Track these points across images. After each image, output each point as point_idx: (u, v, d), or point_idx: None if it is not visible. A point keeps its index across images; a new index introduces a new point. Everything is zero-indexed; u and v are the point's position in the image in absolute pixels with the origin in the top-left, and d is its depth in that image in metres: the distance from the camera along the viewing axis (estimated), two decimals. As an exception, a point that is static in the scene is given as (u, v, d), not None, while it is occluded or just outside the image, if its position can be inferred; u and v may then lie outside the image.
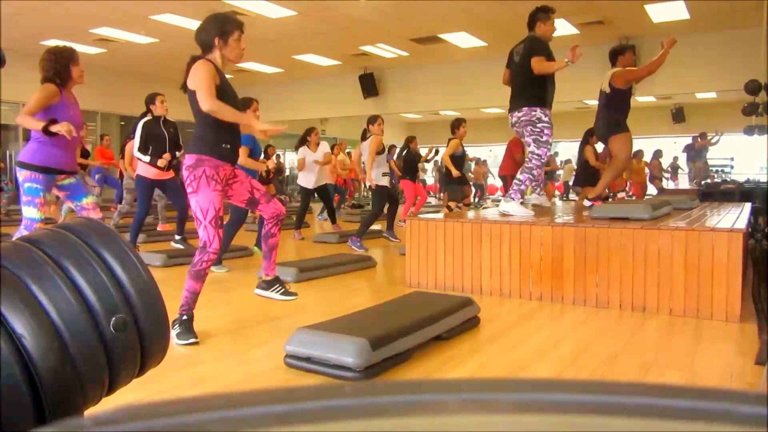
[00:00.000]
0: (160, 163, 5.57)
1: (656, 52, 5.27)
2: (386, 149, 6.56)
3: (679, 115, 16.63)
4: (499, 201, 8.51)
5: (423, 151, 9.14)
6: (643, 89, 5.61)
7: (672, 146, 14.61)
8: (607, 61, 5.44)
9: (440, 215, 5.04)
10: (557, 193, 14.94)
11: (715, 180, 12.75)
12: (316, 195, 7.43)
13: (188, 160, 2.84)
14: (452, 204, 7.23)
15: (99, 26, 10.16)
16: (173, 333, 2.76)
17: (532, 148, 4.50)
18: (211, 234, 2.80)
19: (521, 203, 4.48)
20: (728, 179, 12.57)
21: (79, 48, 11.41)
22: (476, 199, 16.36)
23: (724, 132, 12.49)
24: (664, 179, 13.31)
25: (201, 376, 2.38)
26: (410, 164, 8.34)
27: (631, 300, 3.52)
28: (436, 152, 8.97)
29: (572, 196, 14.73)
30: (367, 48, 11.90)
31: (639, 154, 12.10)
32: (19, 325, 0.80)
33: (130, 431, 0.28)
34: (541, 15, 4.48)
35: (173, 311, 2.50)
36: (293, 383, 1.92)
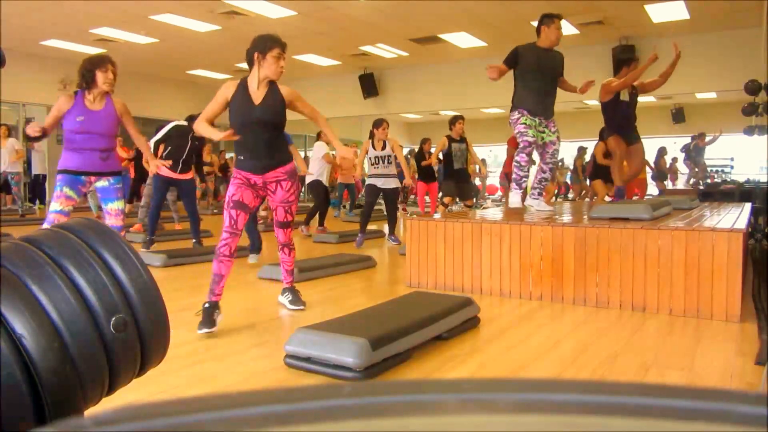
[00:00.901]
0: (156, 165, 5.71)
1: (656, 52, 5.28)
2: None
3: (679, 115, 16.62)
4: (500, 201, 8.50)
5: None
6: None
7: (672, 146, 14.59)
8: (608, 60, 5.45)
9: (439, 215, 5.04)
10: (557, 192, 14.94)
11: (715, 180, 12.74)
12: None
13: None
14: (447, 200, 7.23)
15: (99, 26, 10.16)
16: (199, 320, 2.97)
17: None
18: (224, 216, 3.11)
19: (537, 200, 4.79)
20: (728, 179, 12.57)
21: (79, 48, 11.47)
22: (476, 199, 16.36)
23: (724, 131, 12.49)
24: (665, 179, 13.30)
25: (201, 376, 2.38)
26: (423, 165, 8.40)
27: (631, 300, 3.52)
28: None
29: (570, 195, 14.74)
30: (367, 48, 11.89)
31: None
32: (19, 325, 0.80)
33: (130, 431, 0.28)
34: (546, 20, 4.55)
35: (173, 311, 2.50)
36: (293, 383, 1.92)
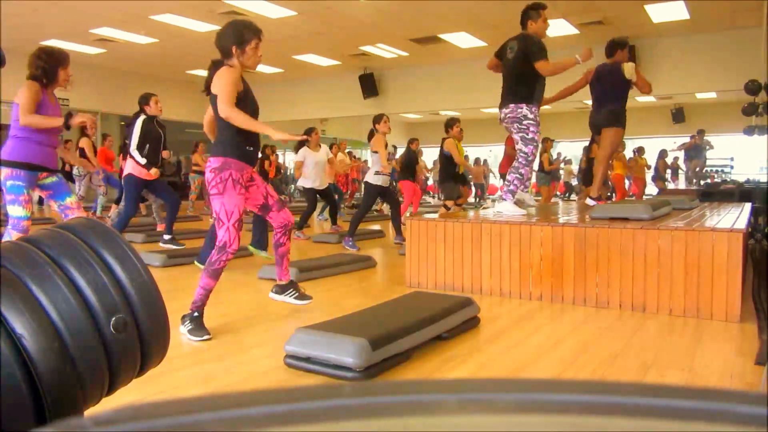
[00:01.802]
0: (162, 156, 5.68)
1: (656, 52, 5.28)
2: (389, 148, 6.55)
3: (679, 115, 16.63)
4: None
5: (426, 151, 9.16)
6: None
7: (672, 146, 14.61)
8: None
9: (438, 215, 5.04)
10: (557, 193, 14.95)
11: (715, 180, 12.74)
12: (319, 196, 7.42)
13: (213, 162, 2.94)
14: (449, 203, 7.24)
15: (99, 26, 10.16)
16: (185, 329, 2.88)
17: (520, 146, 4.50)
18: (232, 236, 2.91)
19: (514, 202, 4.50)
20: (728, 179, 12.56)
21: (79, 48, 11.48)
22: (477, 199, 16.36)
23: (724, 132, 12.49)
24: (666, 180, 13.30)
25: (201, 376, 2.38)
26: (410, 165, 8.39)
27: (631, 300, 3.52)
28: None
29: (573, 196, 14.75)
30: (367, 48, 11.90)
31: (640, 150, 12.12)
32: (19, 325, 0.80)
33: (130, 431, 0.28)
34: (532, 13, 4.47)
35: (173, 311, 2.50)
36: (293, 383, 1.92)
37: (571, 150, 17.45)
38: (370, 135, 6.53)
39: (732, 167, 16.58)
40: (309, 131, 7.27)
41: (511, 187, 4.51)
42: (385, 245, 6.78)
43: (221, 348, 2.77)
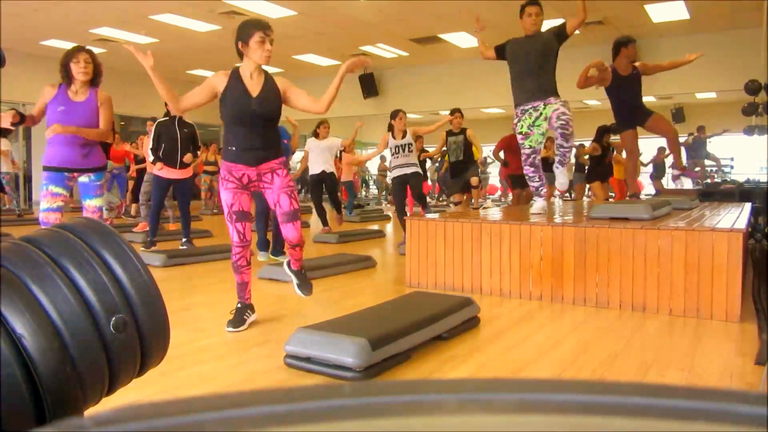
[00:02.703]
0: (184, 160, 5.83)
1: (656, 52, 5.29)
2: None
3: (679, 115, 16.62)
4: (500, 201, 8.49)
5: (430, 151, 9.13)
6: (644, 89, 5.60)
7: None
8: (608, 61, 5.44)
9: (439, 215, 5.04)
10: (556, 193, 14.93)
11: (715, 180, 12.73)
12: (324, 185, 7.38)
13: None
14: (457, 197, 7.23)
15: (99, 26, 10.15)
16: (234, 328, 3.03)
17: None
18: (230, 229, 3.03)
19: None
20: (728, 179, 12.55)
21: (79, 48, 11.43)
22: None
23: (726, 131, 12.49)
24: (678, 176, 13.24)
25: (201, 376, 2.38)
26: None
27: (631, 300, 3.52)
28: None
29: (574, 195, 14.72)
30: (367, 48, 11.90)
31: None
32: (19, 325, 0.80)
33: (130, 431, 0.28)
34: (520, 12, 4.52)
35: (173, 311, 2.50)
36: (293, 383, 1.92)
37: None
38: (390, 129, 6.47)
39: (732, 167, 16.58)
40: (320, 123, 7.32)
41: (534, 183, 4.62)
42: (385, 245, 6.77)
43: (221, 348, 2.77)
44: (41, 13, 9.27)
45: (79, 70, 3.53)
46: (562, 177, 4.62)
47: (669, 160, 13.46)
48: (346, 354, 2.24)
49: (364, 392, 0.30)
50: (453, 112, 6.97)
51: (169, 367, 2.31)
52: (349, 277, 4.69)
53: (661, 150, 12.95)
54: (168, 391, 2.17)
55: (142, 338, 0.95)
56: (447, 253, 4.16)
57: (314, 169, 7.32)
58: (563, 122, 4.22)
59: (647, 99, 5.80)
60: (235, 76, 2.98)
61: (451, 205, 7.48)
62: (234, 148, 2.97)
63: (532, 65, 4.40)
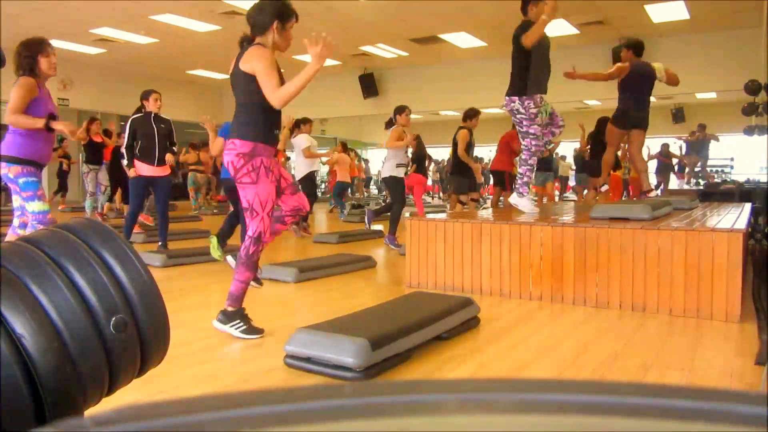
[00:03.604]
0: (166, 160, 5.66)
1: (656, 52, 5.30)
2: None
3: (679, 115, 16.63)
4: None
5: (429, 151, 9.14)
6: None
7: (672, 146, 14.58)
8: (608, 61, 5.46)
9: (440, 215, 5.04)
10: (556, 193, 14.93)
11: (715, 180, 12.72)
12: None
13: (241, 146, 2.72)
14: (463, 197, 7.23)
15: (99, 26, 10.16)
16: (236, 329, 2.85)
17: (521, 139, 4.56)
18: (266, 225, 2.81)
19: (531, 199, 4.64)
20: (728, 179, 12.55)
21: (79, 48, 11.46)
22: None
23: (724, 132, 12.49)
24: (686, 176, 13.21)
25: (201, 376, 2.38)
26: (417, 159, 8.32)
27: (631, 300, 3.52)
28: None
29: (571, 195, 14.72)
30: (367, 48, 11.90)
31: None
32: (19, 325, 0.80)
33: (130, 431, 0.28)
34: (531, 3, 4.42)
35: (173, 311, 2.50)
36: (293, 383, 1.92)
37: (570, 149, 17.45)
38: (389, 123, 6.33)
39: (732, 167, 16.59)
40: (303, 120, 7.39)
41: (525, 179, 4.56)
42: (385, 245, 6.77)
43: (221, 348, 2.77)
44: (41, 13, 9.27)
45: (51, 65, 3.33)
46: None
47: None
48: (346, 354, 2.24)
49: (364, 392, 0.30)
50: (475, 112, 6.98)
51: (169, 367, 2.31)
52: (349, 277, 4.69)
53: (664, 146, 12.94)
54: (168, 391, 2.17)
55: (142, 338, 0.95)
56: (447, 254, 4.16)
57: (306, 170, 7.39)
58: (560, 118, 4.48)
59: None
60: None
61: (457, 204, 7.47)
62: (277, 131, 2.83)
63: (547, 59, 4.41)
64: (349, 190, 11.72)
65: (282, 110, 2.86)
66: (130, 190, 5.93)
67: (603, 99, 12.09)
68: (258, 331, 2.88)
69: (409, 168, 6.38)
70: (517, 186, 4.67)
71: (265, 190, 2.76)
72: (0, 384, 0.75)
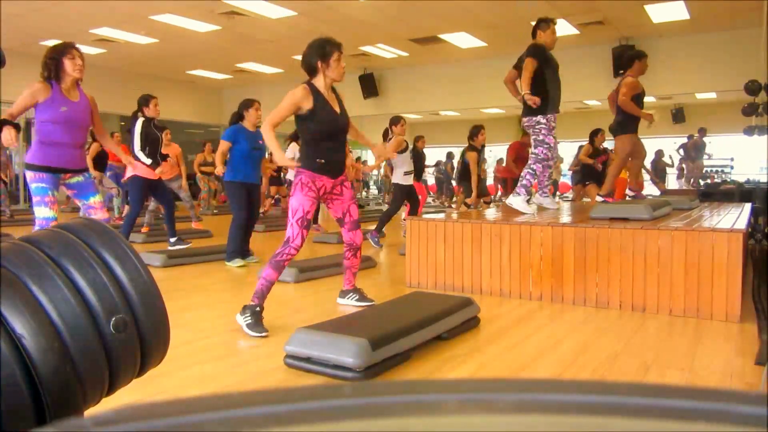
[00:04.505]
0: (162, 168, 5.68)
1: (656, 52, 5.32)
2: (407, 148, 6.59)
3: (679, 115, 16.62)
4: (498, 202, 8.59)
5: (427, 152, 9.16)
6: (644, 88, 5.63)
7: (672, 146, 14.58)
8: (608, 61, 5.47)
9: (441, 215, 5.04)
10: (557, 193, 14.95)
11: (715, 180, 12.73)
12: None
13: (297, 169, 3.23)
14: (469, 201, 7.30)
15: (99, 26, 10.16)
16: (243, 321, 2.96)
17: (532, 147, 4.78)
18: (295, 231, 3.09)
19: (527, 201, 4.75)
20: (728, 179, 12.55)
21: (79, 48, 11.41)
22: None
23: (722, 132, 12.50)
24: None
25: (201, 376, 2.38)
26: (416, 164, 8.36)
27: (631, 300, 3.52)
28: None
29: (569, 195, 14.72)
30: (367, 48, 11.89)
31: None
32: (19, 325, 0.80)
33: (130, 431, 0.28)
34: (542, 24, 4.67)
35: (173, 311, 2.50)
36: (293, 383, 1.92)
37: (572, 150, 17.43)
38: (385, 135, 6.60)
39: (732, 167, 16.58)
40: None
41: (524, 181, 4.75)
42: (385, 245, 6.77)
43: (221, 348, 2.77)
44: (41, 13, 9.27)
45: (75, 67, 3.40)
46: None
47: (665, 160, 13.48)
48: (346, 354, 2.24)
49: (364, 392, 0.30)
50: (478, 130, 7.16)
51: (169, 367, 2.31)
52: (349, 277, 4.69)
53: (659, 152, 12.96)
54: (168, 391, 2.17)
55: (142, 338, 0.95)
56: (447, 254, 4.16)
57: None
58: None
59: (647, 99, 5.82)
60: (317, 93, 3.11)
61: (463, 205, 7.55)
62: (323, 161, 3.15)
63: (559, 79, 4.66)
64: None
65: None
66: (131, 192, 6.03)
67: (603, 99, 12.09)
68: (260, 330, 2.91)
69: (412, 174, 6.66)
70: (517, 187, 4.82)
71: (297, 200, 3.12)
72: (0, 384, 0.75)
